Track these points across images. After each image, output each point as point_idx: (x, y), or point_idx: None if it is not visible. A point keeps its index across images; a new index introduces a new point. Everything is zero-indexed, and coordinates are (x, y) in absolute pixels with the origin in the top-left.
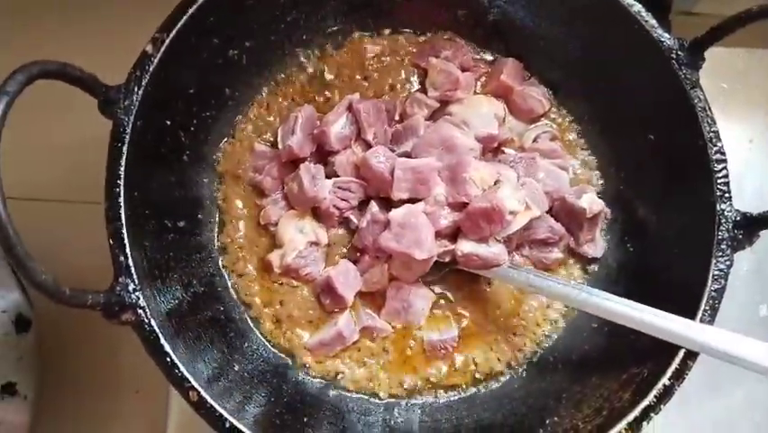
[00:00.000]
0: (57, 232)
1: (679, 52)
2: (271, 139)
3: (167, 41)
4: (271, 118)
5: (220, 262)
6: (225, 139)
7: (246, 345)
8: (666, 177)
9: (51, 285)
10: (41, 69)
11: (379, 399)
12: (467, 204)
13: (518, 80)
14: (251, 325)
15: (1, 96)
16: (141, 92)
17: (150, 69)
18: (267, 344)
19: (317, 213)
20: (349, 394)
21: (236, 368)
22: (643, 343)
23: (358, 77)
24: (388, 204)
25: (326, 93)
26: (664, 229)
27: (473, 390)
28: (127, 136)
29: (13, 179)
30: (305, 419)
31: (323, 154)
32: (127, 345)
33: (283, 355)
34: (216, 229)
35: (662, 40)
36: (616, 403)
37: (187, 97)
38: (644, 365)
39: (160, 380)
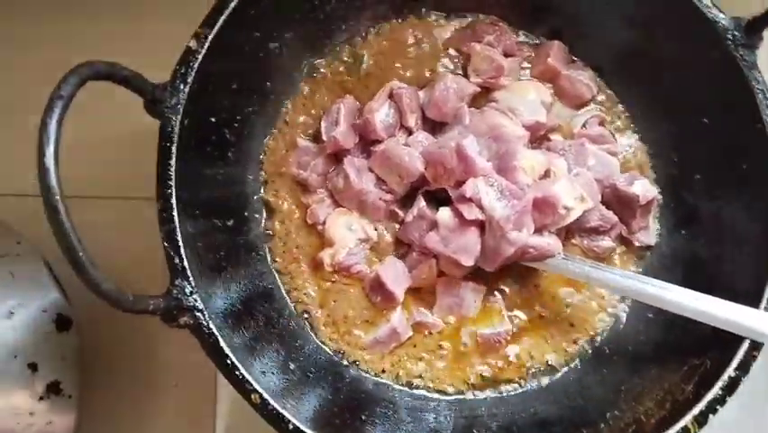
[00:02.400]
0: (96, 229)
1: (735, 32)
2: (310, 132)
3: (210, 36)
4: (313, 111)
5: (269, 262)
6: (268, 135)
7: (300, 344)
8: (721, 162)
9: (115, 293)
10: (92, 71)
11: (435, 394)
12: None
13: (565, 64)
14: (305, 324)
15: (56, 100)
16: (186, 89)
17: (195, 65)
18: (321, 344)
19: (363, 207)
20: (405, 390)
21: (292, 367)
22: (703, 332)
23: (397, 64)
24: (434, 196)
25: (365, 83)
26: (720, 216)
27: (528, 383)
28: (175, 136)
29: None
30: (362, 417)
31: (366, 145)
32: (163, 339)
33: (338, 354)
34: (263, 227)
35: (718, 20)
36: (679, 396)
37: (231, 93)
38: (705, 356)
39: (197, 373)
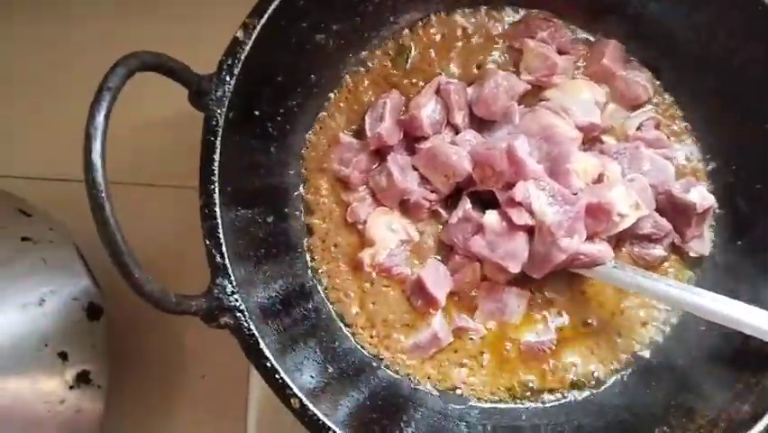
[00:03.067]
0: (146, 215)
1: None
2: (353, 128)
3: (258, 27)
4: (356, 107)
5: (309, 262)
6: (310, 130)
7: (338, 345)
8: None
9: (158, 294)
10: (140, 62)
11: (476, 402)
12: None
13: (621, 64)
14: (343, 326)
15: (104, 92)
16: (232, 81)
17: (242, 56)
18: (359, 347)
19: (405, 206)
20: (445, 396)
21: (330, 370)
22: (759, 348)
23: (445, 59)
24: (480, 197)
25: (412, 77)
26: None
27: (572, 394)
28: (220, 129)
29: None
30: (401, 423)
31: (410, 141)
32: (191, 331)
33: (377, 358)
34: (304, 225)
35: None
36: (734, 415)
37: (276, 86)
38: (762, 374)
39: (226, 365)
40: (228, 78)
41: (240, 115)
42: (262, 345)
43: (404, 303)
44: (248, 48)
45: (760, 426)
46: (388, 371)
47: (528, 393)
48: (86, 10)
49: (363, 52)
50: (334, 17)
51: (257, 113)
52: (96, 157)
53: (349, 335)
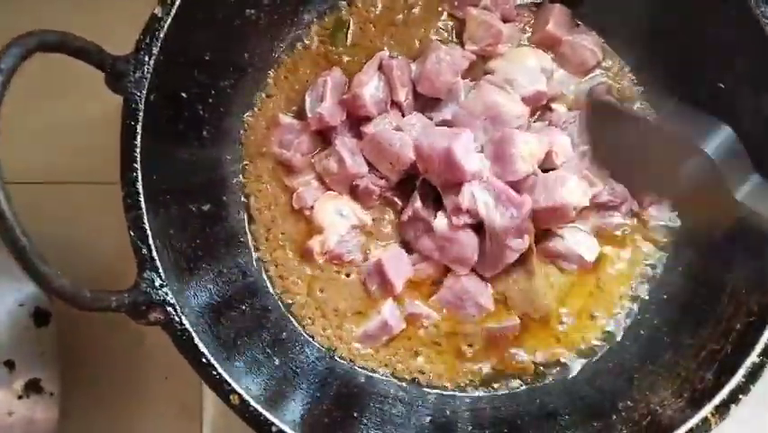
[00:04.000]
0: (66, 217)
1: None
2: (294, 108)
3: (177, 2)
4: (297, 86)
5: (252, 251)
6: (248, 111)
7: (287, 338)
8: (741, 133)
9: (70, 290)
10: (39, 41)
11: (434, 389)
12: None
13: (567, 29)
14: (291, 318)
15: None
16: (152, 62)
17: (161, 34)
18: (310, 338)
19: (354, 192)
20: (400, 385)
21: (278, 363)
22: (722, 315)
23: (385, 33)
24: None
25: (353, 53)
26: None
27: (536, 379)
28: (141, 113)
29: (17, 163)
30: (353, 414)
31: (354, 122)
32: (152, 331)
33: (327, 349)
34: (245, 214)
35: None
36: (698, 384)
37: (204, 65)
38: (725, 340)
39: (184, 364)
40: (147, 59)
41: (164, 97)
42: (197, 341)
43: (356, 290)
44: (167, 25)
45: (723, 393)
46: (341, 361)
47: (490, 379)
48: None
49: (299, 30)
50: None
51: (184, 95)
52: None
53: (298, 327)
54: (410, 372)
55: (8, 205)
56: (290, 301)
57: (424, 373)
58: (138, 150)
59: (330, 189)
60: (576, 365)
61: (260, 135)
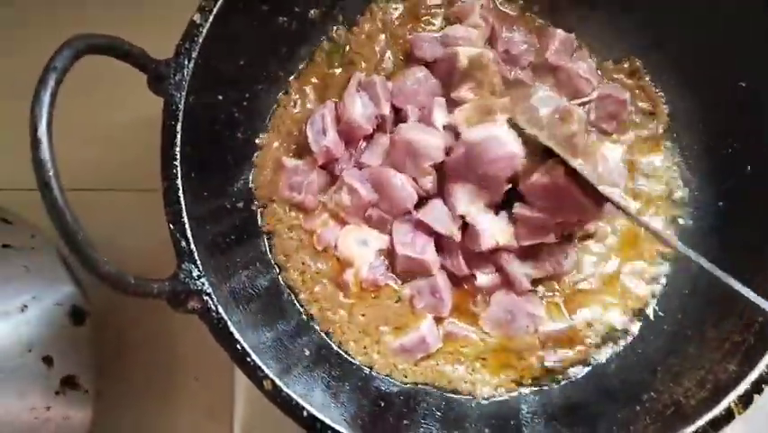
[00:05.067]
0: (112, 221)
1: None
2: (294, 147)
3: (215, 9)
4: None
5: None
6: (271, 113)
7: (324, 351)
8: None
9: (115, 275)
10: (88, 44)
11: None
12: None
13: (567, 55)
14: (329, 341)
15: (49, 72)
16: (191, 65)
17: (200, 39)
18: (346, 355)
19: (369, 221)
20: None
21: (316, 374)
22: (744, 308)
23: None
24: None
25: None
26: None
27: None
28: (180, 113)
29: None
30: (391, 420)
31: (353, 144)
32: (184, 332)
33: (365, 363)
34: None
35: None
36: (721, 375)
37: (238, 70)
38: (748, 332)
39: (219, 366)
40: (186, 62)
41: (202, 99)
42: (232, 329)
43: (396, 310)
44: (205, 31)
45: (746, 383)
46: (376, 374)
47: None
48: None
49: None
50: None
51: (220, 97)
52: (42, 134)
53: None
54: (450, 380)
55: (61, 195)
56: (330, 330)
57: (460, 381)
58: (178, 148)
59: (346, 223)
60: (602, 356)
61: (268, 181)
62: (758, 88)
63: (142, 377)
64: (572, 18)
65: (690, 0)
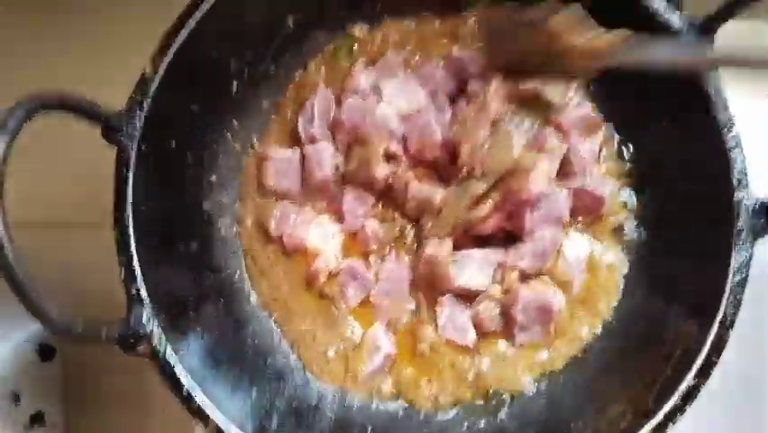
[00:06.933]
0: (71, 257)
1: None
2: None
3: (165, 62)
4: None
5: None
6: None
7: (284, 380)
8: (682, 164)
9: (63, 323)
10: (40, 103)
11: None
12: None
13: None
14: (288, 353)
15: (1, 133)
16: (143, 115)
17: (151, 91)
18: (310, 377)
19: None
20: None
21: (277, 403)
22: (664, 341)
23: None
24: None
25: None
26: (681, 217)
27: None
28: (132, 162)
29: (21, 206)
30: None
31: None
32: (151, 368)
33: (332, 387)
34: (241, 253)
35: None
36: (641, 406)
37: (192, 116)
38: (667, 364)
39: None
40: (138, 113)
41: (154, 147)
42: (178, 372)
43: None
44: (157, 83)
45: (661, 414)
46: (345, 398)
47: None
48: None
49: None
50: (245, 48)
51: (174, 143)
52: None
53: (299, 369)
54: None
55: (10, 246)
56: (288, 345)
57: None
58: (130, 195)
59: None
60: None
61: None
62: None
63: (113, 412)
64: None
65: None
